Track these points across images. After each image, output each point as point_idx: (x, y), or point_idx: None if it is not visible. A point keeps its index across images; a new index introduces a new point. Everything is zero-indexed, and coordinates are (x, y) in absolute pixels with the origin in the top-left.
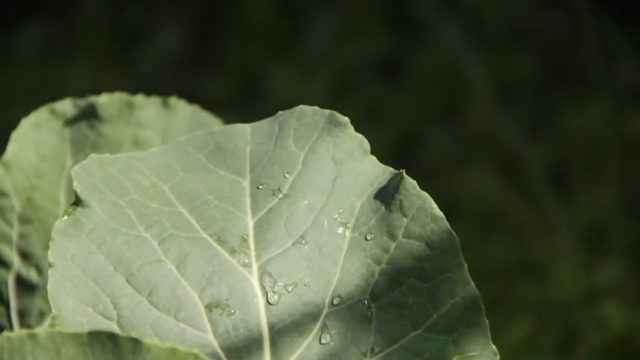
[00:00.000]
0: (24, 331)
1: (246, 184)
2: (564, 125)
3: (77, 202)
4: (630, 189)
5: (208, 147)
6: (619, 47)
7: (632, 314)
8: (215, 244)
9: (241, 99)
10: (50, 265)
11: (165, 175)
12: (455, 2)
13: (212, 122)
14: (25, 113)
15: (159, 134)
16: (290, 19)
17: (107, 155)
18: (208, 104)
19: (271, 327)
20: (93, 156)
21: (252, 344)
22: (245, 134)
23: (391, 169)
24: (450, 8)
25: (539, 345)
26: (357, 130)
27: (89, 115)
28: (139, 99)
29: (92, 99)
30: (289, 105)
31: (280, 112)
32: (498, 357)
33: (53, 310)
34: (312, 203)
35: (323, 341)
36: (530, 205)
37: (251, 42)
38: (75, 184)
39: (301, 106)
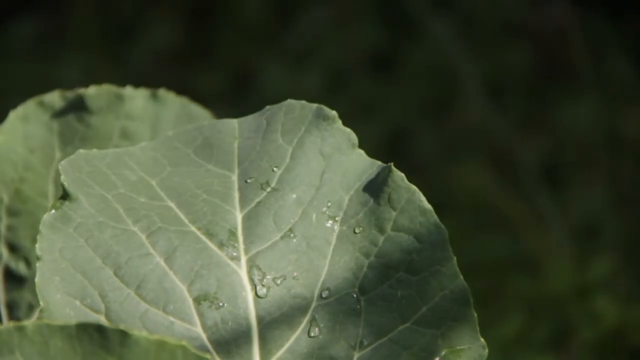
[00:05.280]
0: (12, 324)
1: (234, 178)
2: (556, 120)
3: (64, 195)
4: (623, 183)
5: (196, 142)
6: (611, 43)
7: (624, 308)
8: (203, 238)
9: (234, 92)
10: (38, 259)
11: (153, 170)
12: None
13: (201, 114)
14: None
15: (148, 126)
16: (282, 13)
17: (94, 151)
18: (201, 98)
19: (260, 320)
20: (80, 152)
21: (241, 336)
22: (232, 129)
23: (379, 163)
24: (443, 3)
25: (531, 339)
26: (349, 124)
27: (78, 107)
28: (128, 91)
29: (81, 91)
30: (281, 99)
31: (267, 107)
32: (487, 350)
33: (41, 303)
34: (300, 197)
35: (312, 334)
36: (523, 200)
37: (244, 36)
38: (62, 177)
39: (289, 100)
